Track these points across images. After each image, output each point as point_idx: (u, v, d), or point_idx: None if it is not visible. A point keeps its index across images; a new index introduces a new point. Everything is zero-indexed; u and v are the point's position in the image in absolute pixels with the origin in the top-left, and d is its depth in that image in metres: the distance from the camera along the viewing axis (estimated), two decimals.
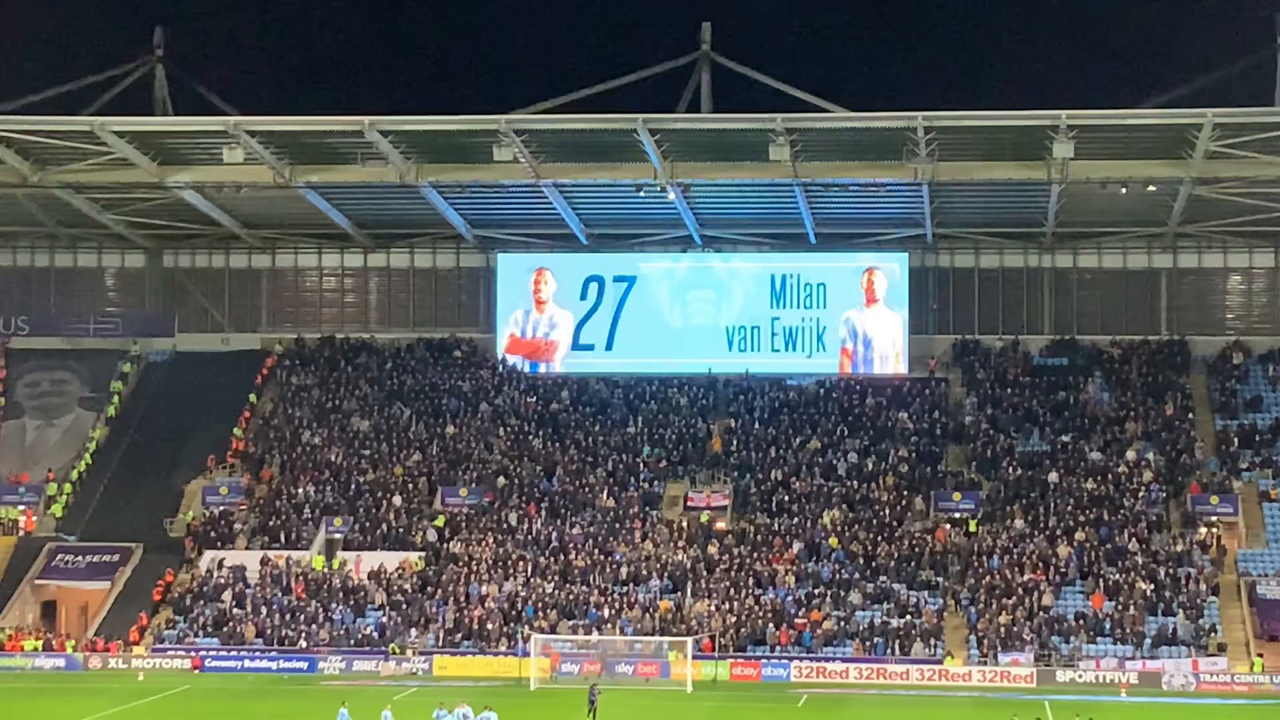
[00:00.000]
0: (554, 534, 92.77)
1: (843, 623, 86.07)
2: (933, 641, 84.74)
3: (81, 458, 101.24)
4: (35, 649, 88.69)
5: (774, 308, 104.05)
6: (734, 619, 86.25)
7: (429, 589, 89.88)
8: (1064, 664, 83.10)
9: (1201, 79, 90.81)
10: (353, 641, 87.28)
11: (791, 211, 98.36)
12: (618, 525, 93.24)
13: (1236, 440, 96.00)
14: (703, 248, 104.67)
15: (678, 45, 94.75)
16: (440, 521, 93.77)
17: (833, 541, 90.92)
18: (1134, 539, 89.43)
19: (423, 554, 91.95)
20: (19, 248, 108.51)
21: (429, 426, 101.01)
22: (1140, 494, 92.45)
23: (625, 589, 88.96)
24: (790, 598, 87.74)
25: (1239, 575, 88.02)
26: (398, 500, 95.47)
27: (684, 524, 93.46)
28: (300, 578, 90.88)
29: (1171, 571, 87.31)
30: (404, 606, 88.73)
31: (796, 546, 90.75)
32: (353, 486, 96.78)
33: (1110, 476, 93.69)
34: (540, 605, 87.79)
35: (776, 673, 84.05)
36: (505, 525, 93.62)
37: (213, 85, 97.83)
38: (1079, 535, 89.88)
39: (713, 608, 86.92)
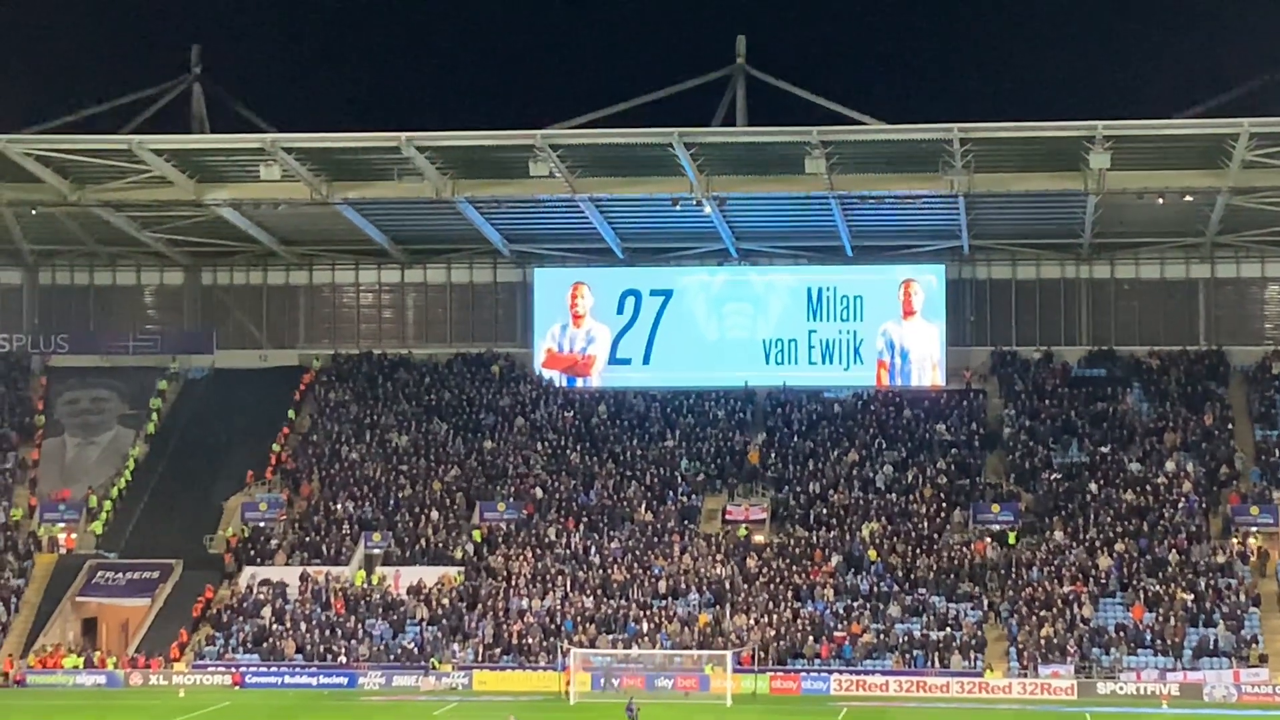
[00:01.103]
0: (592, 548, 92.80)
1: (882, 635, 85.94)
2: (972, 654, 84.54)
3: (121, 475, 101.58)
4: (76, 666, 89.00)
5: (810, 320, 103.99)
6: (773, 632, 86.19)
7: (468, 604, 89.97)
8: (1105, 676, 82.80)
9: (1238, 88, 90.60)
10: (392, 657, 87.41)
11: (828, 224, 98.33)
12: (656, 539, 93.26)
13: (1277, 450, 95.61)
14: (739, 261, 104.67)
15: (713, 59, 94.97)
16: (478, 536, 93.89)
17: (871, 554, 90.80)
18: (1174, 550, 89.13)
19: (462, 569, 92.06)
20: (59, 266, 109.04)
21: (467, 441, 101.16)
22: (1180, 505, 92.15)
23: (664, 603, 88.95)
24: (829, 610, 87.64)
25: (1279, 585, 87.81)
26: (436, 515, 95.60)
27: (722, 537, 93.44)
28: (340, 593, 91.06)
29: (1212, 582, 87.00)
30: (443, 621, 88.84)
31: (835, 559, 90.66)
32: (391, 502, 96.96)
33: (1149, 487, 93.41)
34: (579, 619, 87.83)
35: (816, 686, 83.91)
36: (544, 540, 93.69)
37: (249, 103, 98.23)
38: (1119, 546, 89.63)
39: (752, 621, 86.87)
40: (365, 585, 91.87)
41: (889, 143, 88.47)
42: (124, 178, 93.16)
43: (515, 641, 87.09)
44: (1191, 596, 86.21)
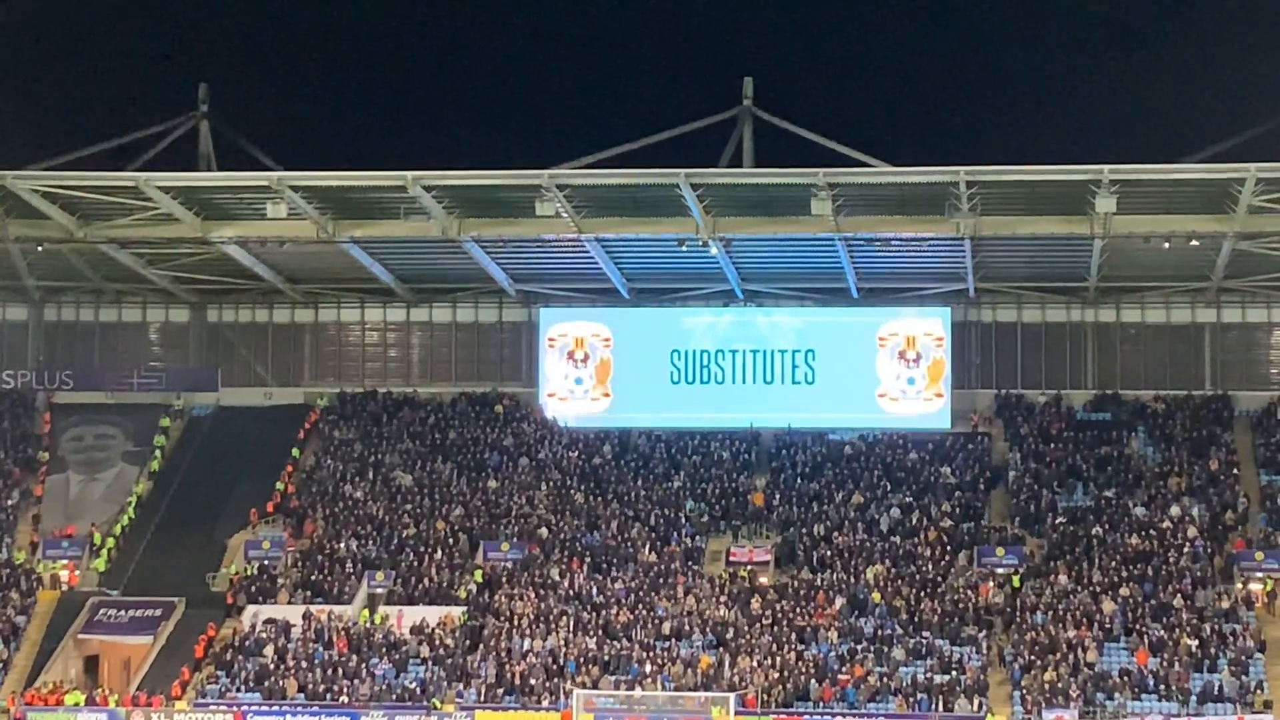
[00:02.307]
0: (596, 589, 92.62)
1: (886, 679, 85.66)
2: (976, 698, 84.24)
3: (125, 512, 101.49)
4: (78, 703, 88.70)
5: (816, 362, 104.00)
6: (777, 675, 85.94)
7: (471, 643, 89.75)
8: None
9: (1245, 133, 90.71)
10: (394, 696, 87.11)
11: (834, 266, 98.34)
12: (660, 580, 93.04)
13: None
14: (745, 302, 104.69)
15: (720, 100, 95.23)
16: (479, 576, 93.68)
17: (876, 597, 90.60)
18: (1178, 595, 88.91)
19: (465, 609, 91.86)
20: (64, 302, 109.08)
21: (471, 481, 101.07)
22: (1185, 549, 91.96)
23: (667, 644, 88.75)
24: (833, 653, 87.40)
25: None
26: (439, 555, 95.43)
27: (726, 579, 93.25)
28: (342, 632, 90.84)
29: (1217, 628, 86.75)
30: (446, 661, 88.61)
31: (839, 602, 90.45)
32: (395, 541, 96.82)
33: (1154, 532, 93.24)
34: (582, 660, 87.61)
35: None
36: (547, 580, 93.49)
37: (256, 141, 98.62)
38: (1123, 591, 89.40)
39: (755, 663, 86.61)
40: (368, 624, 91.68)
41: (895, 185, 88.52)
42: (130, 215, 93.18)
43: (518, 682, 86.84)
44: (1196, 642, 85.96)
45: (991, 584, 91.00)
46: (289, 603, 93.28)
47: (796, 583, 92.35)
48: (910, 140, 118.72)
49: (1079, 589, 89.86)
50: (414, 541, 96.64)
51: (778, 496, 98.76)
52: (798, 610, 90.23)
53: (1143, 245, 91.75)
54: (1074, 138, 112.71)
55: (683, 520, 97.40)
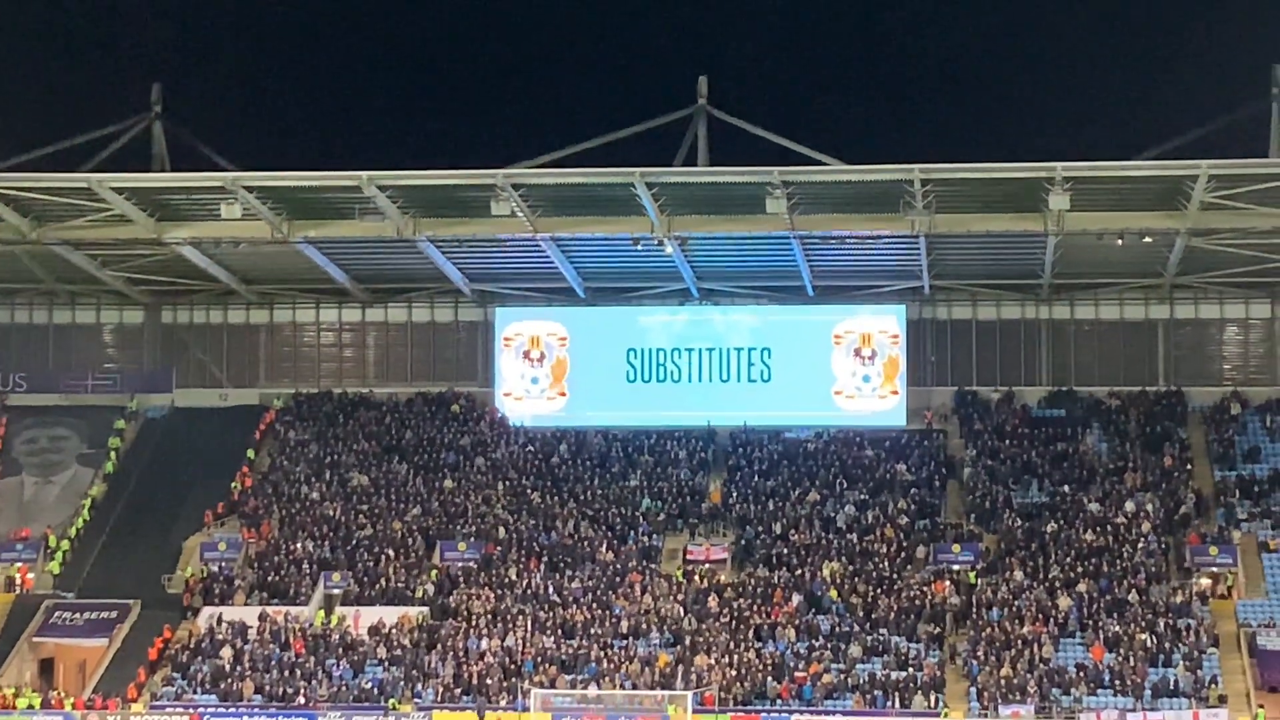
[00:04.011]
0: (553, 588, 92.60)
1: (843, 676, 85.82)
2: (933, 694, 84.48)
3: (79, 514, 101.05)
4: (32, 706, 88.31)
5: (772, 360, 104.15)
6: (734, 673, 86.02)
7: (428, 644, 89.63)
8: (1065, 716, 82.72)
9: (1196, 130, 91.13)
10: (352, 698, 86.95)
11: (789, 264, 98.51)
12: (617, 579, 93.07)
13: (1236, 491, 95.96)
14: (700, 300, 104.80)
15: (674, 99, 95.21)
16: (433, 575, 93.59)
17: (833, 594, 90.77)
18: (1133, 590, 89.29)
19: (422, 609, 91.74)
20: (17, 304, 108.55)
21: (428, 481, 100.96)
22: (1139, 545, 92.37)
23: (625, 643, 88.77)
24: (790, 651, 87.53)
25: (1239, 626, 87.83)
26: (396, 555, 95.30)
27: (683, 577, 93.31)
28: (299, 634, 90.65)
29: (1171, 623, 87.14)
30: (404, 661, 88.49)
31: (796, 599, 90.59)
32: (351, 541, 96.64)
33: (1109, 527, 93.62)
34: (540, 660, 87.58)
35: None
36: (504, 579, 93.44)
37: (210, 141, 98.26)
38: (1079, 587, 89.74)
39: (713, 662, 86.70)
40: (325, 625, 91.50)
41: (850, 183, 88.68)
42: (84, 216, 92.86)
43: (475, 682, 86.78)
44: (1151, 637, 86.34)
45: (948, 581, 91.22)
46: (245, 604, 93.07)
47: (753, 581, 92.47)
48: (865, 138, 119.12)
49: (1035, 585, 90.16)
50: (370, 542, 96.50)
51: (734, 495, 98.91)
52: (755, 608, 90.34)
53: (1096, 242, 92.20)
54: (1027, 135, 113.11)
55: (640, 519, 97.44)
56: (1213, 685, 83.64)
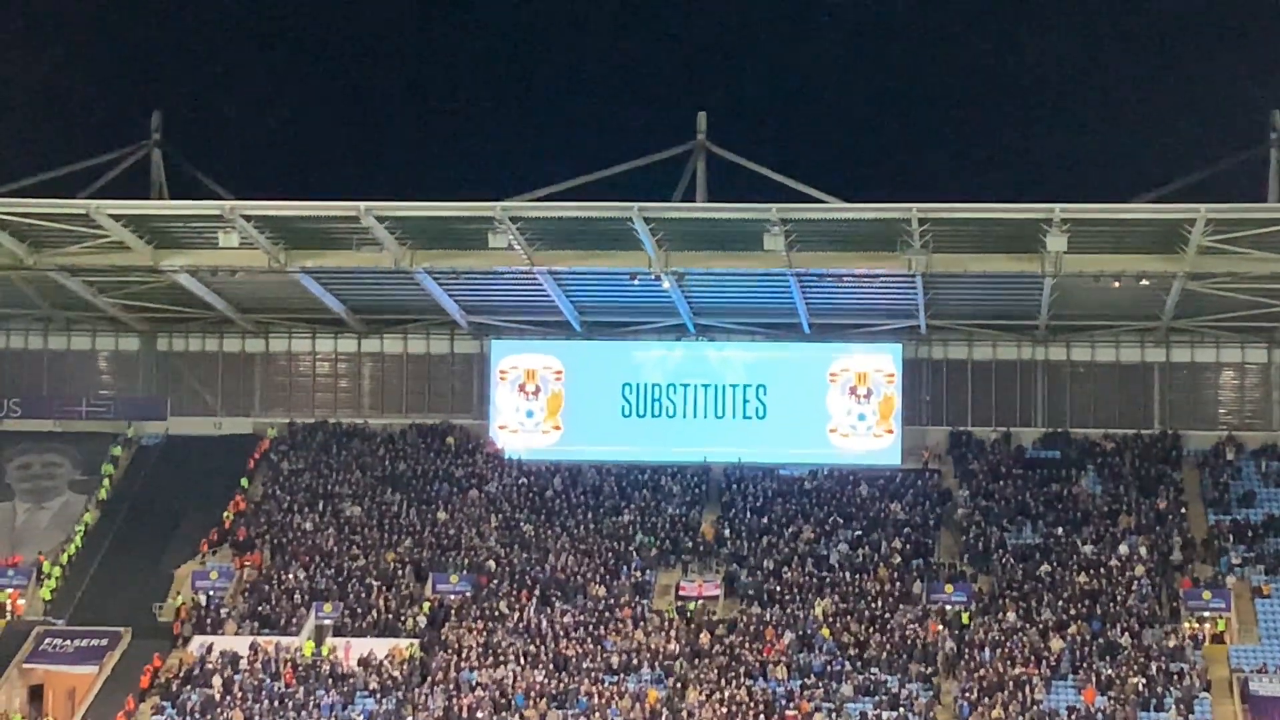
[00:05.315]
0: (545, 622, 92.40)
1: (834, 714, 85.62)
2: None
3: (71, 541, 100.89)
4: None
5: (767, 397, 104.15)
6: (725, 710, 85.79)
7: (419, 676, 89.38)
8: None
9: (1195, 174, 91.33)
10: None
11: (786, 301, 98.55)
12: (609, 614, 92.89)
13: (1230, 535, 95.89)
14: (696, 336, 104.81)
15: (674, 134, 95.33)
16: (426, 608, 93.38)
17: (824, 632, 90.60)
18: (1126, 633, 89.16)
19: (413, 640, 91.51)
20: (13, 330, 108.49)
21: (421, 513, 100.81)
22: (1133, 588, 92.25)
23: (616, 678, 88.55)
24: (781, 688, 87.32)
25: (1231, 671, 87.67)
26: (388, 586, 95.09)
27: (675, 613, 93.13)
28: (289, 664, 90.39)
29: (1164, 666, 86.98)
30: (394, 694, 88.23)
31: (788, 637, 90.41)
32: (344, 572, 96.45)
33: (1103, 570, 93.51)
34: (530, 693, 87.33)
35: None
36: (496, 612, 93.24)
37: (209, 170, 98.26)
38: (1071, 629, 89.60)
39: (703, 698, 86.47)
40: (315, 656, 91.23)
41: (848, 221, 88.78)
42: (81, 242, 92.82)
43: (465, 715, 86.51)
44: (1143, 680, 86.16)
45: (940, 620, 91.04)
46: (236, 633, 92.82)
47: (746, 618, 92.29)
48: (863, 177, 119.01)
49: (1027, 626, 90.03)
50: (362, 573, 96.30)
51: (728, 531, 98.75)
52: (746, 645, 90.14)
53: (1093, 284, 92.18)
54: (1025, 177, 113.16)
55: (632, 554, 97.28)
56: None
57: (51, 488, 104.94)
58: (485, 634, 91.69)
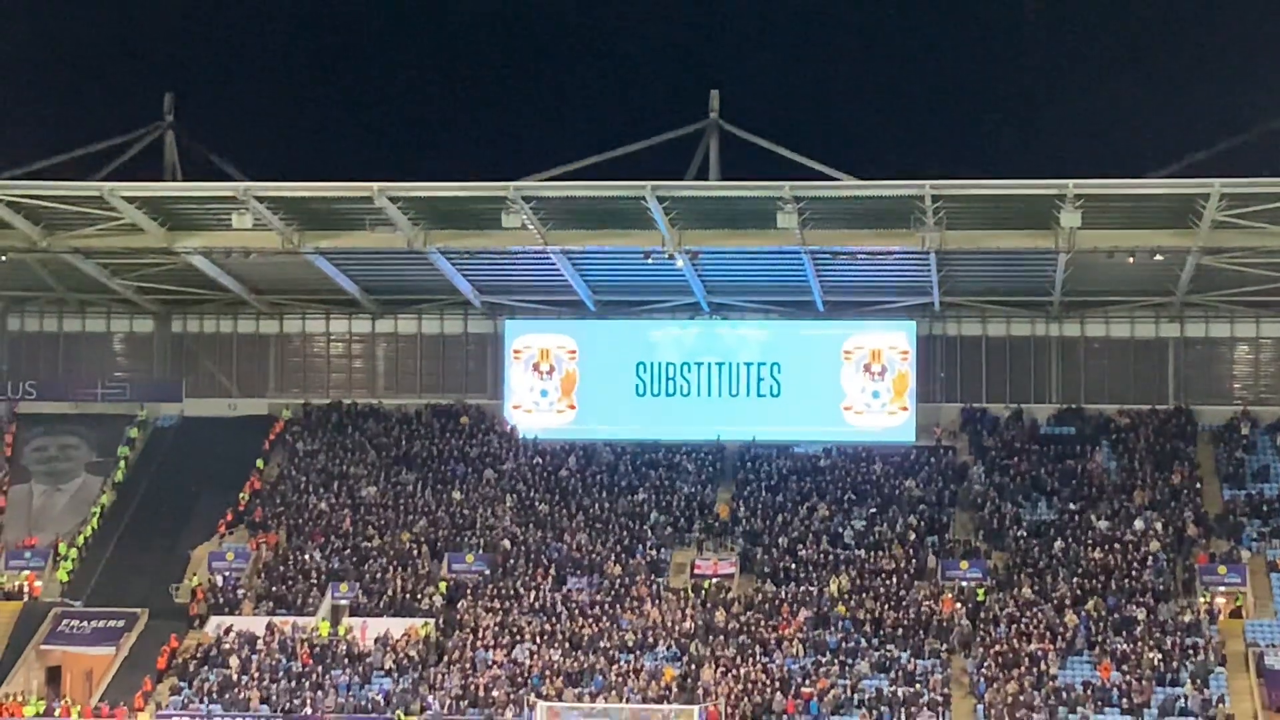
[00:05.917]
0: (560, 601, 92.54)
1: (850, 691, 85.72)
2: (940, 710, 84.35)
3: (88, 522, 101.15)
4: (38, 714, 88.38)
5: (781, 374, 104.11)
6: (740, 687, 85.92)
7: (435, 655, 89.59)
8: None
9: (1209, 149, 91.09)
10: (357, 708, 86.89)
11: (799, 279, 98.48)
12: (624, 592, 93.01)
13: (1247, 510, 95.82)
14: (710, 315, 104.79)
15: (687, 113, 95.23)
16: (443, 587, 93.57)
17: (840, 609, 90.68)
18: (1141, 608, 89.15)
19: (429, 620, 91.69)
20: (28, 313, 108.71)
21: (436, 493, 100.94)
22: (1148, 563, 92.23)
23: (631, 656, 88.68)
24: (797, 665, 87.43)
25: (1247, 646, 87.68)
26: (404, 566, 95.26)
27: (691, 591, 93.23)
28: (306, 644, 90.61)
29: (1179, 641, 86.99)
30: (410, 673, 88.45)
31: (803, 614, 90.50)
32: (359, 552, 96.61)
33: (1118, 545, 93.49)
34: (546, 672, 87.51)
35: None
36: (512, 592, 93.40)
37: (222, 151, 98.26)
38: (1087, 604, 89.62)
39: (719, 676, 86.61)
40: (331, 636, 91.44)
41: (861, 199, 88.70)
42: (95, 224, 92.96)
43: (482, 694, 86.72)
44: (1159, 655, 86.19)
45: (956, 597, 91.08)
46: (253, 614, 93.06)
47: (761, 595, 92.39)
48: (876, 154, 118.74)
49: (1042, 602, 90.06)
50: (378, 553, 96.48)
51: (742, 509, 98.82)
52: (762, 623, 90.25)
53: (1107, 260, 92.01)
54: (1039, 152, 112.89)
55: (647, 532, 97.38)
56: (1220, 705, 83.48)
57: (68, 470, 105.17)
58: (501, 613, 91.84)
